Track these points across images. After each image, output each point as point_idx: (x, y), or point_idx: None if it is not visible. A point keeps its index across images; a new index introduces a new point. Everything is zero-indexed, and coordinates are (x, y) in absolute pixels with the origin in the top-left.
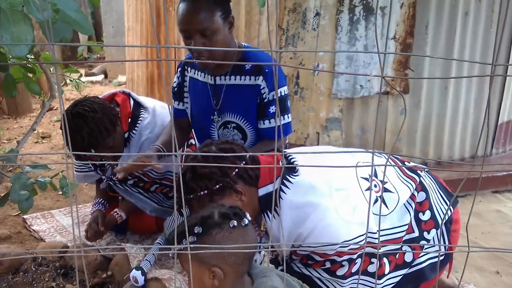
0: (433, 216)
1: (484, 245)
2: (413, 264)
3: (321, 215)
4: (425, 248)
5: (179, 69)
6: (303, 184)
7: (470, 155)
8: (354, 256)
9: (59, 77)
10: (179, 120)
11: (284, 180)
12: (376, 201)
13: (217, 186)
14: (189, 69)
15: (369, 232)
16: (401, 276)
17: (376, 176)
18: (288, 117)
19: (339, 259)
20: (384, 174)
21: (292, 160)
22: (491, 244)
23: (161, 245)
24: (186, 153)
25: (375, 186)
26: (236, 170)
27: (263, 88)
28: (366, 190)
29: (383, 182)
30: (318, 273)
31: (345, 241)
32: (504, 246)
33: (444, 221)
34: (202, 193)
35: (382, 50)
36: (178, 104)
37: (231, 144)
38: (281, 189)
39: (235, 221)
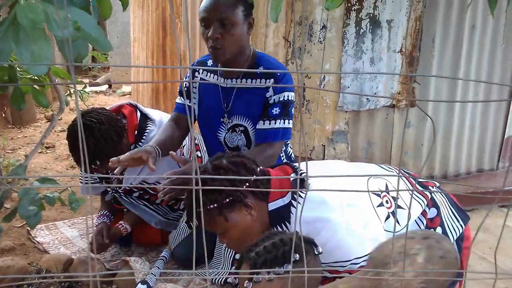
0: (444, 233)
1: (493, 260)
2: None
3: (332, 231)
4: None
5: (189, 70)
6: (314, 199)
7: (476, 169)
8: None
9: (63, 88)
10: (181, 116)
11: (294, 195)
12: (387, 217)
13: (227, 200)
14: (200, 70)
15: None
16: None
17: (387, 192)
18: (289, 123)
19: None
20: (397, 192)
21: (303, 175)
22: (499, 260)
23: (166, 258)
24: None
25: (387, 202)
26: (247, 184)
27: (270, 89)
28: (377, 206)
29: (395, 199)
30: None
31: (356, 258)
32: None
33: (456, 238)
34: (211, 206)
35: (389, 64)
36: (184, 100)
37: (242, 158)
38: (291, 204)
39: (320, 248)
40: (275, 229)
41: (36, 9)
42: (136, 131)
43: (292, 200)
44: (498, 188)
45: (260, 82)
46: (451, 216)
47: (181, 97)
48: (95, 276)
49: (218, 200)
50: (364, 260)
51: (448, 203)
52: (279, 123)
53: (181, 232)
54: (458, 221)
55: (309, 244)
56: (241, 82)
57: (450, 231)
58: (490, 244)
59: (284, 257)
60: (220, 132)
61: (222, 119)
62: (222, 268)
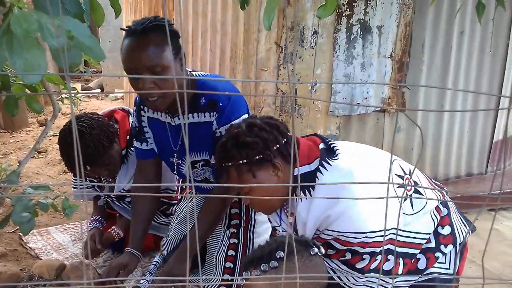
0: (452, 232)
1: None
2: (424, 273)
3: (352, 201)
4: (438, 262)
5: (134, 108)
6: (341, 168)
7: (466, 173)
8: (377, 250)
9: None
10: (145, 162)
11: (323, 162)
12: (405, 199)
13: (257, 157)
14: (145, 108)
15: (393, 228)
16: (411, 283)
17: (410, 175)
18: None
19: (362, 250)
20: (417, 177)
21: (332, 146)
22: (489, 264)
23: (158, 264)
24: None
25: (408, 185)
26: (278, 145)
27: (214, 122)
28: (398, 187)
29: (416, 183)
30: (336, 264)
31: (371, 232)
32: (502, 265)
33: (460, 242)
34: (241, 161)
35: (379, 69)
36: (141, 145)
37: (276, 121)
38: (318, 170)
39: (316, 249)
40: (299, 194)
41: (30, 19)
42: (128, 136)
43: (319, 167)
44: (486, 192)
45: (205, 115)
46: (459, 220)
47: (137, 141)
48: (89, 283)
49: (249, 155)
50: (378, 236)
51: (456, 209)
52: None
53: (173, 239)
54: (466, 227)
55: (303, 245)
56: (187, 118)
57: (458, 233)
58: (479, 247)
59: (270, 255)
60: (181, 168)
61: (171, 159)
62: (214, 275)
